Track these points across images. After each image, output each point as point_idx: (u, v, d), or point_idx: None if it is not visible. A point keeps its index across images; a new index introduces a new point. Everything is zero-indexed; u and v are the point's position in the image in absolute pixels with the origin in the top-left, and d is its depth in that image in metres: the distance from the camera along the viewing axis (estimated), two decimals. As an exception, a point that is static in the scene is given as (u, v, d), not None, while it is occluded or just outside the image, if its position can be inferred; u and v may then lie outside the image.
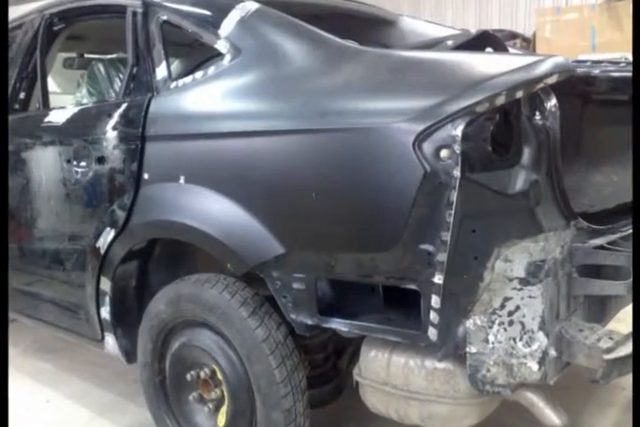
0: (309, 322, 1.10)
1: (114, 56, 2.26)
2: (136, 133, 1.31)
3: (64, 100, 2.08)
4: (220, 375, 1.25)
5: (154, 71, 1.36)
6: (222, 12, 1.26)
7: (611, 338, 0.98)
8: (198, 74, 1.28)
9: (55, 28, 1.71)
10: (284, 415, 1.15)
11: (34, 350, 2.09)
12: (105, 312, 1.43)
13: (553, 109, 0.98)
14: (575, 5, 4.39)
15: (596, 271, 1.06)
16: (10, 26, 1.84)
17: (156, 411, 1.41)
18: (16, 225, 1.67)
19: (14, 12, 1.86)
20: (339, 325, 1.08)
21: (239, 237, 1.13)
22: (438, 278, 0.94)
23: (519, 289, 0.97)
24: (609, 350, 0.96)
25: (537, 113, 0.98)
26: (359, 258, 1.02)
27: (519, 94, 0.93)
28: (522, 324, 0.97)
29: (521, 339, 0.97)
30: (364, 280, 1.05)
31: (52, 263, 1.57)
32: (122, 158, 1.34)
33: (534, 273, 0.96)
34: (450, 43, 1.23)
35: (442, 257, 0.93)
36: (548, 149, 0.99)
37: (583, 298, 1.07)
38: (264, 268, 1.12)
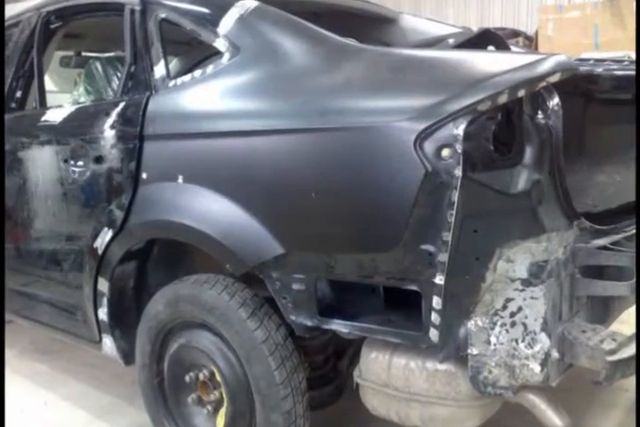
0: (309, 323, 1.09)
1: (111, 54, 2.25)
2: (134, 132, 1.30)
3: (61, 99, 2.07)
4: (218, 377, 1.24)
5: (152, 70, 1.35)
6: (221, 10, 1.25)
7: (614, 339, 0.97)
8: (197, 72, 1.27)
9: (52, 26, 1.70)
10: (284, 417, 1.15)
11: (30, 351, 2.08)
12: (102, 313, 1.42)
13: (555, 108, 0.97)
14: (578, 3, 4.36)
15: (598, 272, 1.05)
16: (6, 24, 1.83)
17: (154, 413, 1.40)
18: (13, 225, 1.66)
19: (11, 10, 1.86)
20: (339, 326, 1.07)
21: (238, 238, 1.12)
22: (439, 279, 0.93)
23: (521, 290, 0.96)
24: (612, 352, 0.95)
25: (539, 112, 0.97)
26: (359, 258, 1.01)
27: (521, 93, 0.92)
28: (524, 325, 0.96)
29: (523, 340, 0.96)
30: (365, 281, 1.04)
31: (49, 264, 1.56)
32: (120, 158, 1.33)
33: (537, 274, 0.96)
34: (451, 41, 1.22)
35: (443, 257, 0.93)
36: (550, 148, 0.98)
37: (586, 299, 1.06)
38: (263, 268, 1.11)
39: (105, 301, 1.41)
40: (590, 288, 1.02)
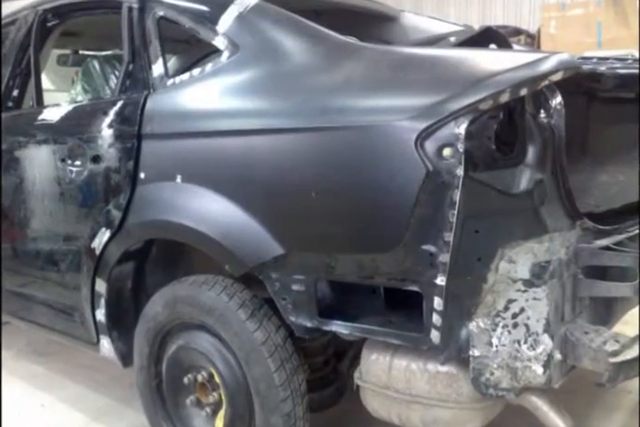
0: (309, 324, 1.08)
1: (109, 53, 2.24)
2: (132, 132, 1.29)
3: (58, 98, 2.06)
4: (217, 379, 1.23)
5: (150, 68, 1.34)
6: (220, 8, 1.24)
7: (617, 341, 0.97)
8: (195, 71, 1.26)
9: (49, 25, 1.69)
10: (284, 420, 1.14)
11: (27, 353, 2.06)
12: (100, 314, 1.41)
13: (558, 107, 0.97)
14: (581, 1, 4.31)
15: (601, 273, 1.04)
16: (3, 22, 1.82)
17: (152, 415, 1.39)
18: (9, 225, 1.65)
19: (7, 8, 1.84)
20: (339, 327, 1.07)
21: (237, 238, 1.11)
22: (441, 280, 0.93)
23: (523, 291, 0.96)
24: (615, 354, 0.95)
25: (542, 111, 0.97)
26: (360, 259, 1.01)
27: (523, 92, 0.91)
28: (526, 326, 0.95)
29: (525, 342, 0.96)
30: (365, 282, 1.03)
31: (46, 264, 1.55)
32: (117, 157, 1.32)
33: (539, 274, 0.95)
34: (452, 39, 1.22)
35: (444, 258, 0.92)
36: (552, 147, 0.97)
37: (589, 300, 1.06)
38: (263, 269, 1.10)
39: (102, 302, 1.40)
40: (593, 289, 1.01)
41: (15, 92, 1.72)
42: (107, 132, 1.34)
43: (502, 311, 0.96)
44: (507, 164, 0.95)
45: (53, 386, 1.81)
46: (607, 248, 1.03)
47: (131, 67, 1.38)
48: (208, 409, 1.27)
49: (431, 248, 0.92)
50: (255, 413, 1.17)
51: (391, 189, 0.94)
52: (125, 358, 1.44)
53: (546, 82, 0.92)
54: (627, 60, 1.32)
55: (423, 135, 0.91)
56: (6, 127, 1.63)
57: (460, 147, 0.89)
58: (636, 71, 1.16)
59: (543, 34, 4.21)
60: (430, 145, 0.91)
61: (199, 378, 1.26)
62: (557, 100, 0.97)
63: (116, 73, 2.13)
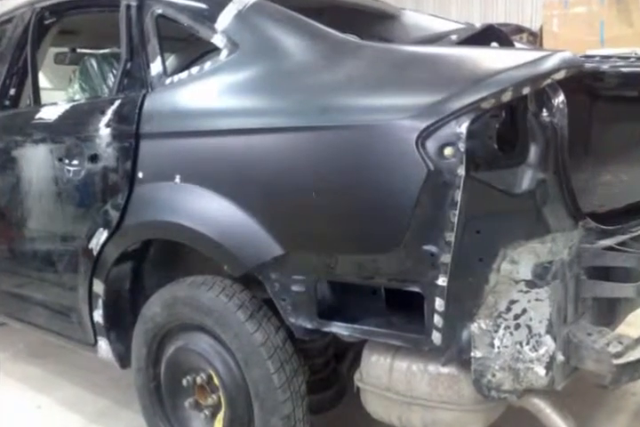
0: (309, 326, 1.08)
1: (107, 51, 2.23)
2: (130, 131, 1.28)
3: (56, 97, 2.05)
4: (216, 381, 1.22)
5: (148, 67, 1.33)
6: (219, 6, 1.24)
7: (620, 342, 0.96)
8: (194, 69, 1.25)
9: (46, 22, 1.68)
10: (283, 422, 1.13)
11: (24, 354, 2.05)
12: (98, 316, 1.40)
13: (560, 106, 0.96)
14: (583, -1, 4.31)
15: (604, 273, 1.03)
16: (0, 20, 1.80)
17: (150, 417, 1.38)
18: (6, 225, 1.64)
19: (4, 6, 1.83)
20: (339, 328, 1.06)
21: (236, 238, 1.10)
22: (442, 281, 0.92)
23: (526, 292, 0.95)
24: (618, 355, 0.94)
25: (544, 110, 0.96)
26: (360, 259, 1.00)
27: (526, 90, 0.90)
28: (528, 327, 0.95)
29: (527, 343, 0.95)
30: (366, 282, 1.02)
31: (43, 265, 1.54)
32: (115, 156, 1.31)
33: (541, 275, 0.94)
34: (454, 37, 1.21)
35: (446, 258, 0.91)
36: (555, 146, 0.96)
37: (592, 301, 1.05)
38: (262, 269, 1.09)
39: (100, 303, 1.39)
40: (596, 290, 1.01)
41: (12, 91, 1.71)
42: (104, 132, 1.33)
43: (504, 312, 0.95)
44: (509, 163, 0.94)
45: (50, 388, 1.80)
46: (610, 248, 1.02)
47: (129, 65, 1.37)
48: (207, 411, 1.26)
49: (432, 248, 0.91)
50: (255, 415, 1.16)
51: (392, 188, 0.93)
52: (123, 359, 1.43)
53: (548, 80, 0.91)
54: (630, 58, 1.31)
55: (424, 134, 0.90)
56: (3, 126, 1.62)
57: (462, 146, 0.88)
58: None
59: (545, 32, 4.17)
60: (431, 144, 0.90)
61: (198, 380, 1.25)
62: (560, 99, 0.96)
63: (114, 71, 2.12)
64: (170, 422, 1.35)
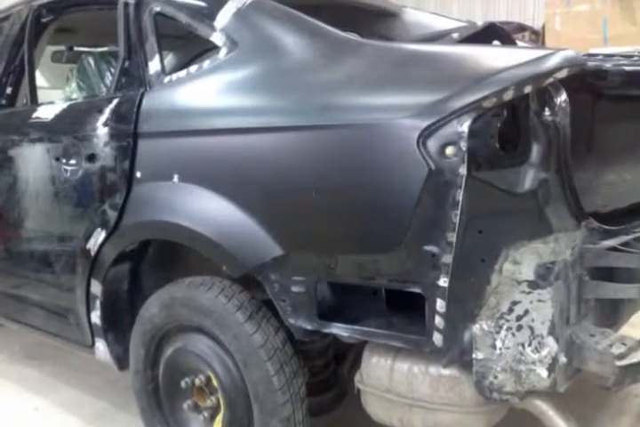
0: (309, 327, 1.07)
1: (105, 49, 2.22)
2: (128, 130, 1.27)
3: (53, 96, 2.04)
4: (215, 382, 1.21)
5: (146, 65, 1.32)
6: (218, 3, 1.23)
7: (623, 344, 0.95)
8: (193, 68, 1.24)
9: (43, 20, 1.67)
10: (283, 424, 1.12)
11: (21, 356, 2.04)
12: (95, 317, 1.39)
13: (563, 105, 0.95)
14: (586, -3, 4.29)
15: (608, 274, 1.03)
16: (-4, 18, 1.79)
17: (149, 420, 1.37)
18: (2, 225, 1.63)
19: (1, 4, 1.81)
20: (339, 330, 1.05)
21: (235, 239, 1.09)
22: (443, 281, 0.91)
23: (528, 292, 0.94)
24: (621, 356, 0.93)
25: (546, 109, 0.95)
26: (361, 260, 0.99)
27: (528, 89, 0.90)
28: (531, 329, 0.94)
29: (530, 344, 0.94)
30: (366, 283, 1.02)
31: (41, 265, 1.53)
32: (113, 156, 1.30)
33: (544, 276, 0.93)
34: (455, 35, 1.21)
35: (447, 259, 0.90)
36: (557, 146, 0.96)
37: (594, 302, 1.04)
38: (262, 270, 1.08)
39: (98, 304, 1.38)
40: (599, 291, 1.00)
41: (9, 90, 1.70)
42: (102, 131, 1.32)
43: (506, 313, 0.94)
44: (511, 163, 0.93)
45: (47, 390, 1.78)
46: (613, 249, 1.01)
47: (127, 64, 1.36)
48: (206, 413, 1.25)
49: (433, 249, 0.91)
50: (254, 417, 1.15)
51: (392, 188, 0.92)
52: (121, 361, 1.42)
53: (550, 79, 0.91)
54: (633, 56, 1.30)
55: (425, 133, 0.89)
56: (-1, 125, 1.61)
57: (463, 145, 0.87)
58: (643, 68, 1.15)
59: (548, 30, 4.15)
60: (433, 143, 0.89)
61: (197, 382, 1.25)
62: (562, 98, 0.95)
63: (112, 70, 2.10)
64: (168, 425, 1.34)
